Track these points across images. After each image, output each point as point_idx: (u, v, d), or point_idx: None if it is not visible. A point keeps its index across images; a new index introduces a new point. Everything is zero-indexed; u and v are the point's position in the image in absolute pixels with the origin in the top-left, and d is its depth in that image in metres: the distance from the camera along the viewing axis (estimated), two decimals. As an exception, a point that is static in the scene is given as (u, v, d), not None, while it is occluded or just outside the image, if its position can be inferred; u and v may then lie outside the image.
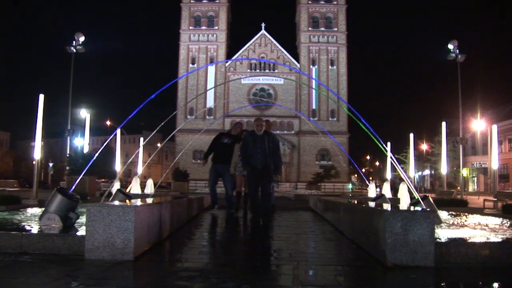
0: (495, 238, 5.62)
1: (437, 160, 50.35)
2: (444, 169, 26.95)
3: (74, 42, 24.92)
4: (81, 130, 30.57)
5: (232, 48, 69.02)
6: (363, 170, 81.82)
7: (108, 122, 58.33)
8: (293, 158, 66.94)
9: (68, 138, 25.55)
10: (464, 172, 45.33)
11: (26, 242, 4.84)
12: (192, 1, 68.32)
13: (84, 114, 28.80)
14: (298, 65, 66.62)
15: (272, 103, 62.96)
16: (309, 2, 68.18)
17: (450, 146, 41.22)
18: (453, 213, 10.18)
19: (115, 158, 29.28)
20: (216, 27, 67.84)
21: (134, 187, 14.44)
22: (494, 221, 8.16)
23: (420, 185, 70.07)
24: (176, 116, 65.74)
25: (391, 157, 12.95)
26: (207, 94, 66.11)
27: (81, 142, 30.21)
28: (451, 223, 7.76)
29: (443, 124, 26.24)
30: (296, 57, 67.88)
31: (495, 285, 4.06)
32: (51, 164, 58.86)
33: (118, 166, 30.29)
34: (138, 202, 5.77)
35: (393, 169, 30.47)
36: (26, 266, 4.25)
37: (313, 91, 65.31)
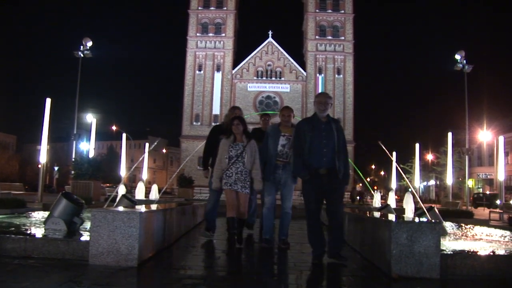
0: (501, 250, 5.58)
1: (443, 171, 50.08)
2: (449, 179, 26.81)
3: (81, 47, 25.05)
4: (87, 135, 30.70)
5: (239, 55, 69.15)
6: (368, 179, 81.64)
7: (114, 127, 58.50)
8: (298, 166, 66.65)
9: (74, 142, 25.64)
10: (470, 183, 45.07)
11: (30, 246, 4.84)
12: (199, 8, 68.57)
13: (91, 118, 28.91)
14: (304, 73, 66.66)
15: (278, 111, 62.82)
16: (317, 10, 68.29)
17: (456, 156, 41.03)
18: (459, 224, 10.13)
19: (120, 163, 29.38)
20: (224, 34, 68.01)
21: (139, 193, 14.47)
22: (500, 233, 8.11)
23: (425, 196, 69.80)
24: (181, 122, 65.98)
25: (396, 167, 12.90)
26: (213, 101, 66.19)
27: (87, 147, 30.32)
28: (456, 234, 7.72)
29: (449, 134, 26.15)
30: (303, 65, 67.89)
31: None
32: (56, 168, 59.01)
33: (123, 171, 30.38)
34: (143, 208, 5.77)
35: (399, 178, 30.37)
36: (30, 270, 4.25)
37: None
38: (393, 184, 29.13)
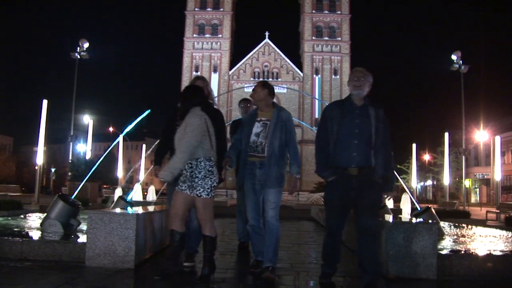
0: (498, 251, 5.59)
1: (440, 171, 50.22)
2: (446, 180, 26.89)
3: (78, 48, 25.02)
4: (83, 136, 30.66)
5: (236, 56, 69.31)
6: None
7: (111, 128, 58.39)
8: (295, 166, 66.71)
9: (71, 144, 25.60)
10: (467, 183, 45.18)
11: (26, 249, 4.83)
12: (196, 9, 68.64)
13: (87, 120, 28.88)
14: (301, 74, 66.79)
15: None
16: (313, 11, 68.45)
17: (452, 156, 41.13)
18: (456, 224, 10.13)
19: (117, 165, 29.34)
20: (220, 35, 68.09)
21: (136, 194, 14.43)
22: (497, 233, 8.12)
23: (422, 196, 69.84)
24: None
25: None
26: (210, 102, 66.20)
27: (84, 148, 30.28)
28: (453, 235, 7.72)
29: (446, 134, 26.22)
30: (300, 66, 68.01)
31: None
32: (53, 170, 58.84)
33: (120, 173, 30.34)
34: (140, 210, 5.76)
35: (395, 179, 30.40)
36: (27, 272, 4.24)
37: (316, 100, 65.34)
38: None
